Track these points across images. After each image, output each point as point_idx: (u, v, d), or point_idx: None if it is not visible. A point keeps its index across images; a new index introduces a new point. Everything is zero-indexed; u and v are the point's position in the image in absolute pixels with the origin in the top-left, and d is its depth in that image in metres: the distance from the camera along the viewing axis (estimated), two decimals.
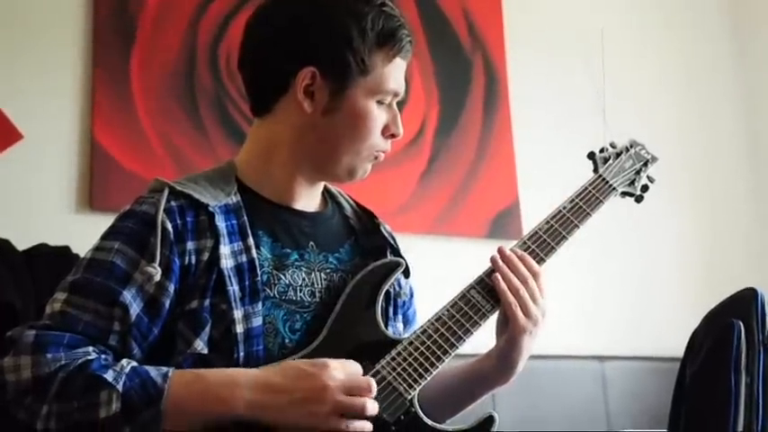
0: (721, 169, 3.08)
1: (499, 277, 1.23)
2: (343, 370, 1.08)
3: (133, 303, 1.12)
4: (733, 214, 3.06)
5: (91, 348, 1.08)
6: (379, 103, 1.25)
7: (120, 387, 1.03)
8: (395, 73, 1.26)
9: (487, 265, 1.27)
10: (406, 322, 1.37)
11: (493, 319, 1.25)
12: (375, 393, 1.09)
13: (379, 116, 1.25)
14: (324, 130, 1.24)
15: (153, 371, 1.06)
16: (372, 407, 1.07)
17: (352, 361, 1.11)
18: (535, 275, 1.25)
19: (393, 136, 1.28)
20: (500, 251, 1.27)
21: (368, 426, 1.07)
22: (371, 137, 1.25)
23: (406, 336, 1.22)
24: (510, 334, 1.23)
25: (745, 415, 1.60)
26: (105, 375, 1.03)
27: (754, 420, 1.60)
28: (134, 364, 1.07)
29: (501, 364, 1.26)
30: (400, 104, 1.32)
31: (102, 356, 1.08)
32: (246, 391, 1.05)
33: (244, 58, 1.29)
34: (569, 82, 2.82)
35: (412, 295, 1.41)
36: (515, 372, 1.26)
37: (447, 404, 1.30)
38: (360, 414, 1.06)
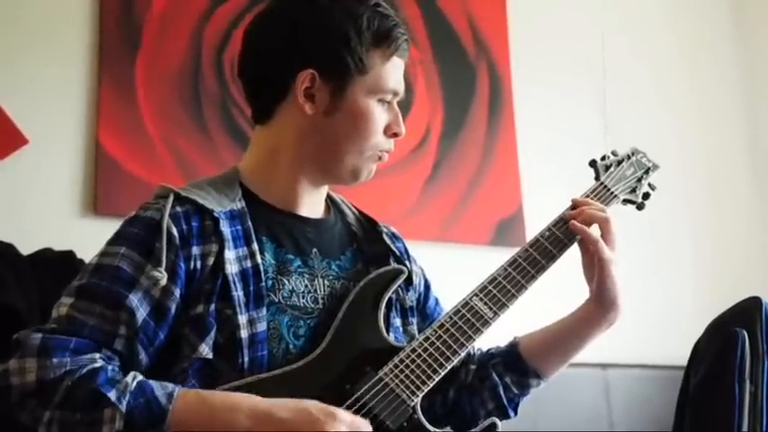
0: (725, 175, 3.07)
1: (576, 222, 1.31)
2: (349, 425, 1.06)
3: (139, 308, 1.12)
4: (738, 221, 3.05)
5: (97, 355, 1.08)
6: (380, 102, 1.26)
7: (123, 407, 1.02)
8: (393, 72, 1.27)
9: (490, 270, 1.28)
10: (425, 317, 1.38)
11: (495, 327, 1.25)
12: None
13: (380, 115, 1.26)
14: (326, 131, 1.25)
15: (158, 389, 1.05)
16: None
17: (363, 421, 1.09)
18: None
19: (396, 135, 1.29)
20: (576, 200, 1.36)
21: None
22: (374, 136, 1.26)
23: (409, 343, 1.22)
24: (600, 266, 1.28)
25: (749, 423, 1.60)
26: (109, 394, 1.03)
27: (758, 429, 1.60)
28: (140, 379, 1.07)
29: (602, 302, 1.30)
30: (404, 108, 1.32)
31: (109, 367, 1.07)
32: (248, 421, 1.04)
33: (243, 66, 1.30)
34: (573, 89, 2.82)
35: (428, 288, 1.42)
36: (619, 308, 1.30)
37: (556, 358, 1.36)
38: None
